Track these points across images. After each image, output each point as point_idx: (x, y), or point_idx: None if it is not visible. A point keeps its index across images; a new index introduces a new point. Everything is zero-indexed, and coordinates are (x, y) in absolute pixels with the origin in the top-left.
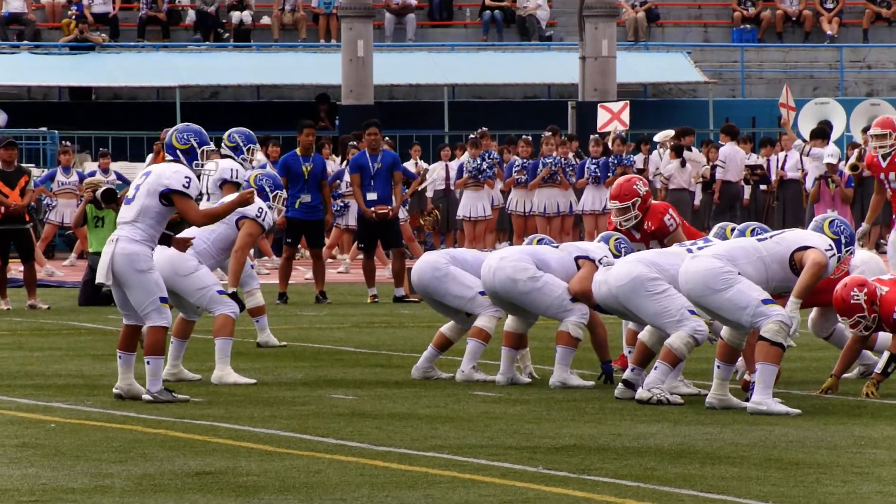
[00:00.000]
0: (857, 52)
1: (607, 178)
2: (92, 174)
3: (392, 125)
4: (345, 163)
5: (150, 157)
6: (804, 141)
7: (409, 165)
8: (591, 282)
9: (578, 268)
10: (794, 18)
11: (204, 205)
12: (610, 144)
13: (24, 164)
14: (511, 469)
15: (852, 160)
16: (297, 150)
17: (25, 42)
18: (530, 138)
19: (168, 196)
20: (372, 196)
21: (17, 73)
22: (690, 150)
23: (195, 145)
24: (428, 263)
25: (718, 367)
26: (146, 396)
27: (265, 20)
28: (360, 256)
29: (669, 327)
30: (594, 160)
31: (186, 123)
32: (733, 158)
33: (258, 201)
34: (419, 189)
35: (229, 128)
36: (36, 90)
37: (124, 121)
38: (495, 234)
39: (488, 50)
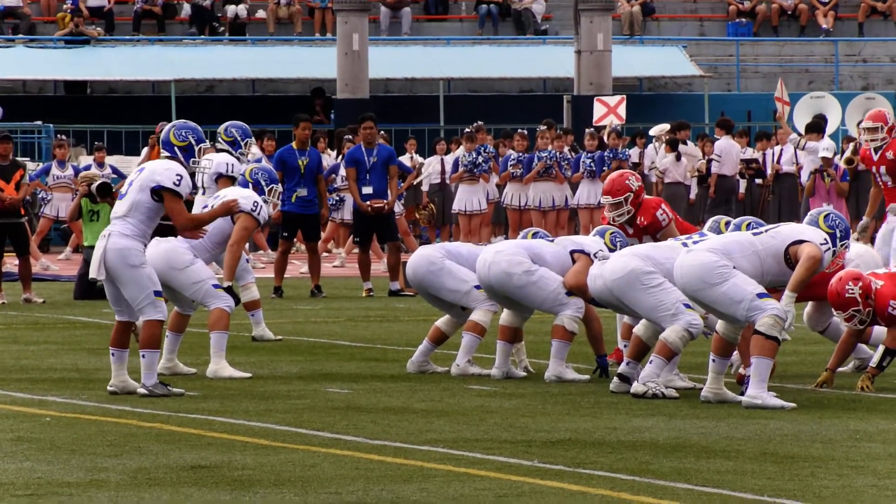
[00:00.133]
0: (853, 45)
1: (602, 171)
2: (87, 168)
3: (387, 119)
4: (340, 157)
5: (145, 150)
6: (799, 135)
7: (405, 159)
8: (587, 276)
9: (574, 261)
10: (789, 12)
11: (199, 199)
12: (605, 138)
13: (19, 158)
14: (506, 463)
15: (847, 154)
16: (294, 144)
17: (21, 36)
18: (526, 132)
19: (159, 192)
20: (367, 190)
21: (13, 67)
22: (686, 143)
23: (193, 143)
24: (423, 257)
25: (713, 360)
26: (141, 390)
27: (260, 14)
28: (356, 250)
29: (664, 321)
30: (589, 154)
31: (184, 120)
32: (729, 152)
33: (253, 195)
34: (415, 183)
35: (224, 121)
36: (31, 84)
37: (120, 114)
38: (491, 227)
39: (484, 44)
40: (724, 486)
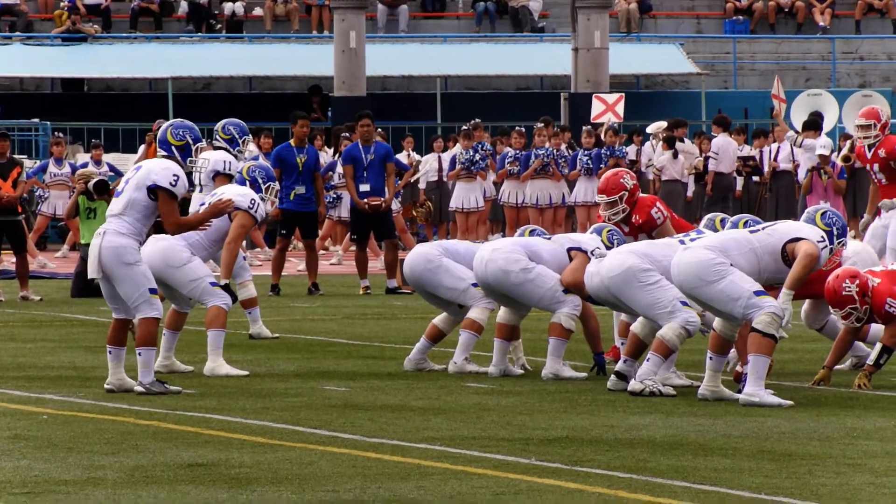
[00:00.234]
0: (850, 43)
1: (600, 169)
2: (84, 165)
3: (385, 116)
4: (337, 154)
5: (142, 148)
6: (796, 132)
7: (402, 157)
8: (584, 273)
9: (570, 259)
10: (786, 10)
11: (196, 196)
12: (602, 136)
13: (16, 156)
14: (503, 461)
15: (844, 151)
16: (292, 142)
17: (18, 33)
18: (523, 129)
19: (155, 192)
20: (365, 187)
21: (10, 65)
22: (683, 141)
23: (190, 142)
24: (420, 255)
25: (711, 358)
26: (138, 388)
27: (257, 11)
28: (353, 248)
29: (661, 318)
30: (587, 151)
31: (181, 119)
32: (726, 150)
33: (251, 193)
34: (412, 180)
35: (222, 119)
36: (28, 81)
37: (116, 112)
38: (488, 225)
39: (481, 41)
40: (722, 483)
